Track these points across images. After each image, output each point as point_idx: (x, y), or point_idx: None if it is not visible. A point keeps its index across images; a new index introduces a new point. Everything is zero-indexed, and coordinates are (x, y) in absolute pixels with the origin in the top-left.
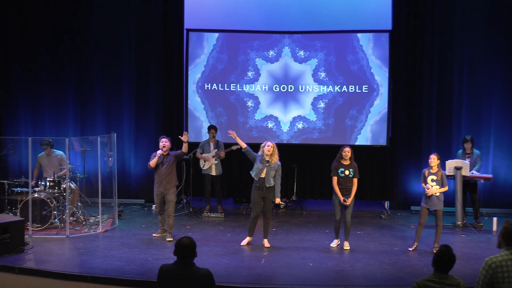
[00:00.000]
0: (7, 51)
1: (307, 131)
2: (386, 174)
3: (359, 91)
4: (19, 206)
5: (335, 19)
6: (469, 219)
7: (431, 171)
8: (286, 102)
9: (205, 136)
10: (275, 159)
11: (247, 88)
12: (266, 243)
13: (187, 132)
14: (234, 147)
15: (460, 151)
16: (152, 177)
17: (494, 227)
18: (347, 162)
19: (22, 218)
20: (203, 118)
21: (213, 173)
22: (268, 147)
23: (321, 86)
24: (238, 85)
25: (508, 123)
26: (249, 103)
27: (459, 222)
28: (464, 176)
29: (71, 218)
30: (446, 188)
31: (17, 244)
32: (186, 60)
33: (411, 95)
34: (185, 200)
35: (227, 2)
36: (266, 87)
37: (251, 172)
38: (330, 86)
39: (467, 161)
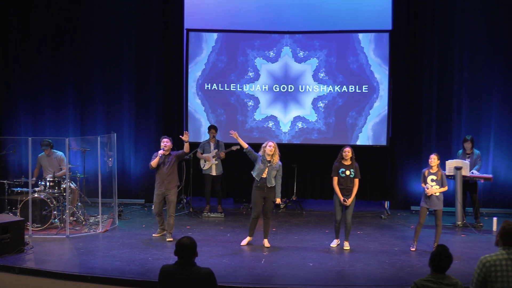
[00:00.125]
0: (7, 51)
1: (307, 131)
2: (386, 174)
3: (359, 91)
4: (19, 206)
5: (335, 19)
6: (469, 219)
7: (431, 171)
8: (286, 102)
9: (204, 136)
10: (276, 159)
11: (247, 88)
12: (266, 243)
13: (188, 131)
14: (234, 148)
15: (460, 151)
16: (152, 177)
17: (494, 227)
18: (348, 162)
19: (22, 218)
20: (203, 119)
21: (213, 173)
22: (270, 147)
23: (321, 85)
24: (238, 85)
25: (508, 123)
26: (249, 104)
27: (459, 222)
28: (464, 176)
29: (71, 218)
30: (445, 188)
31: (17, 244)
32: (186, 60)
33: (411, 95)
34: (185, 200)
35: (227, 2)
36: (266, 87)
37: (252, 172)
38: (330, 86)
39: (467, 161)
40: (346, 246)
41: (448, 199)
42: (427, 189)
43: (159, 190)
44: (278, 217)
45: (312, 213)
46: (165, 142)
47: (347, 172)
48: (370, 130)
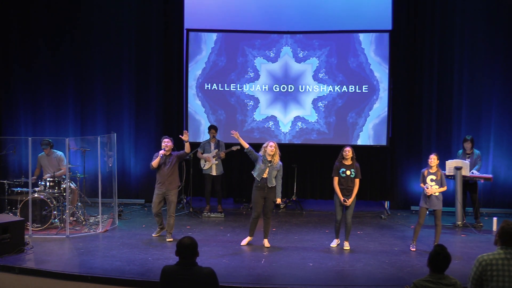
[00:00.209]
0: (7, 51)
1: (307, 131)
2: (386, 174)
3: (359, 91)
4: (19, 206)
5: (335, 19)
6: (469, 219)
7: (431, 171)
8: (286, 103)
9: (204, 136)
10: (277, 159)
11: (247, 88)
12: (266, 243)
13: (187, 131)
14: (234, 148)
15: (460, 151)
16: (152, 177)
17: (494, 227)
18: (348, 162)
19: (22, 218)
20: (204, 119)
21: (214, 173)
22: (271, 147)
23: (321, 85)
24: (238, 85)
25: (508, 123)
26: (250, 105)
27: (459, 222)
28: (464, 176)
29: (71, 218)
30: (444, 188)
31: (17, 244)
32: (186, 60)
33: (411, 95)
34: (185, 200)
35: (227, 2)
36: (266, 87)
37: (253, 172)
38: (330, 86)
39: (467, 161)
40: (346, 246)
41: (448, 199)
42: (427, 188)
43: (159, 190)
44: (278, 217)
45: (312, 213)
46: (166, 142)
47: (348, 172)
48: (370, 130)
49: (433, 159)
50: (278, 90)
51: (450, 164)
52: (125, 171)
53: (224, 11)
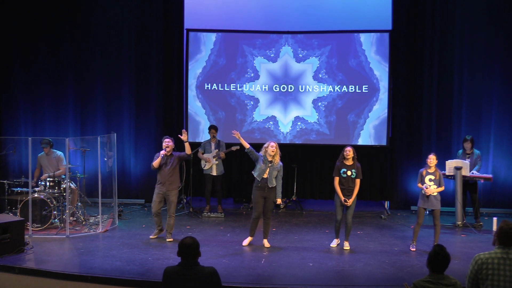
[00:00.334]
0: (7, 51)
1: (307, 132)
2: (386, 174)
3: (359, 91)
4: (19, 206)
5: (335, 19)
6: (469, 219)
7: (429, 170)
8: (286, 103)
9: (204, 136)
10: (278, 159)
11: (247, 88)
12: (266, 243)
13: (186, 131)
14: (233, 148)
15: (460, 151)
16: (152, 177)
17: (494, 227)
18: (349, 163)
19: (22, 218)
20: (204, 120)
21: (214, 173)
22: (272, 148)
23: (321, 84)
24: (238, 85)
25: (508, 123)
26: (250, 105)
27: (459, 222)
28: (464, 176)
29: (71, 218)
30: (442, 188)
31: (17, 244)
32: (186, 60)
33: (411, 95)
34: (185, 200)
35: (227, 2)
36: (266, 87)
37: (253, 172)
38: (330, 86)
39: (467, 161)
40: (346, 246)
41: (448, 199)
42: (426, 188)
43: (160, 190)
44: (278, 217)
45: (312, 213)
46: (167, 143)
47: (349, 173)
48: (370, 131)
49: (432, 159)
50: (278, 90)
51: (450, 164)
52: (125, 171)
53: (224, 11)
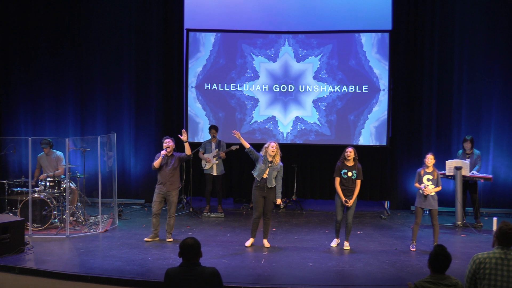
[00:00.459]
0: (7, 51)
1: (308, 132)
2: (386, 174)
3: (359, 91)
4: (19, 206)
5: (335, 19)
6: (469, 219)
7: (427, 170)
8: (286, 103)
9: (204, 136)
10: (278, 159)
11: (247, 88)
12: (266, 243)
13: (186, 131)
14: (233, 147)
15: (460, 151)
16: (152, 177)
17: (494, 227)
18: (350, 163)
19: (22, 218)
20: (204, 120)
21: (215, 173)
22: (272, 148)
23: (321, 84)
24: (238, 85)
25: (508, 123)
26: (250, 105)
27: (459, 222)
28: (464, 176)
29: (71, 218)
30: (440, 188)
31: (17, 244)
32: (186, 60)
33: (411, 95)
34: (185, 200)
35: (227, 2)
36: (266, 87)
37: (253, 172)
38: (330, 86)
39: (467, 161)
40: (346, 246)
41: (448, 199)
42: (424, 188)
43: (160, 190)
44: (278, 217)
45: (312, 213)
46: (168, 143)
47: (350, 173)
48: (370, 132)
49: (430, 159)
50: (278, 90)
51: (450, 164)
52: (125, 171)
53: (224, 11)
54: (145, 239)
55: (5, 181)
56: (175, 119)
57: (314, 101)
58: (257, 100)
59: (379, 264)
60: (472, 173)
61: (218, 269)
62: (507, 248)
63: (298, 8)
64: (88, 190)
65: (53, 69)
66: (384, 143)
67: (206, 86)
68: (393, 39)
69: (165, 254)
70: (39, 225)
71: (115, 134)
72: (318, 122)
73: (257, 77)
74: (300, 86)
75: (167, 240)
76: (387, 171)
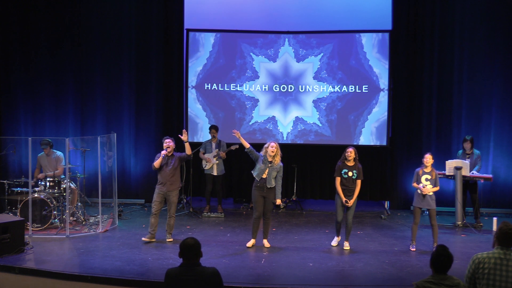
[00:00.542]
0: (7, 51)
1: (308, 132)
2: (386, 174)
3: (359, 91)
4: (19, 206)
5: (335, 19)
6: (469, 219)
7: (425, 170)
8: (286, 103)
9: (204, 135)
10: (278, 160)
11: (247, 88)
12: (266, 243)
13: (186, 131)
14: (233, 147)
15: (460, 151)
16: (152, 177)
17: (494, 227)
18: (351, 163)
19: (22, 218)
20: (204, 120)
21: (215, 173)
22: (272, 148)
23: (321, 84)
24: (238, 85)
25: (508, 123)
26: (250, 105)
27: (459, 222)
28: (464, 176)
29: (71, 218)
30: (437, 188)
31: (17, 244)
32: (186, 60)
33: (411, 95)
34: (185, 200)
35: (227, 2)
36: (266, 87)
37: (252, 172)
38: (330, 86)
39: (467, 161)
40: (346, 246)
41: (448, 199)
42: (423, 187)
43: (160, 190)
44: (278, 217)
45: (312, 213)
46: (168, 143)
47: (350, 173)
48: (370, 132)
49: (428, 159)
50: (278, 90)
51: (450, 164)
52: (125, 171)
53: (224, 11)
54: (143, 238)
55: (5, 181)
56: (175, 119)
57: (314, 101)
58: (257, 100)
59: (379, 264)
60: (472, 173)
61: (218, 269)
62: (507, 248)
63: (298, 8)
64: (88, 190)
65: (53, 69)
66: (384, 143)
67: (206, 86)
68: (393, 39)
69: (165, 254)
70: (39, 225)
71: (115, 134)
72: (318, 122)
73: (257, 77)
74: (300, 86)
75: (167, 240)
76: (387, 171)
